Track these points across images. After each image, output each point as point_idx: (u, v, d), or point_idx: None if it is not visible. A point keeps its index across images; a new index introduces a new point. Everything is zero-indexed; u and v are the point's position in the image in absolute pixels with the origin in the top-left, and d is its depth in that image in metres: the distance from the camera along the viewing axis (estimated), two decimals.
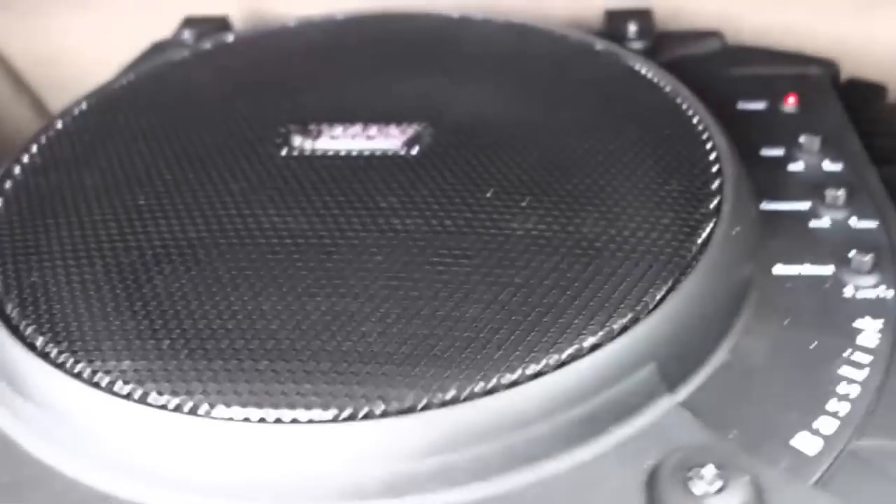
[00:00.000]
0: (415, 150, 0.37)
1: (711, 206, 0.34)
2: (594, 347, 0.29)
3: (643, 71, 0.42)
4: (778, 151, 0.40)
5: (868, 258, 0.34)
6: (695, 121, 0.38)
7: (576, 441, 0.28)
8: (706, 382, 0.30)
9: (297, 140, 0.38)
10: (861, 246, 0.34)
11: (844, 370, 0.30)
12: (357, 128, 0.38)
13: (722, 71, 0.46)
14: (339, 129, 0.38)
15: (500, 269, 0.31)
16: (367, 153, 0.37)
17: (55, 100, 0.64)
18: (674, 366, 0.30)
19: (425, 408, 0.27)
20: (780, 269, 0.35)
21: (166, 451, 0.28)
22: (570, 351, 0.29)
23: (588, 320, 0.29)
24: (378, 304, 0.30)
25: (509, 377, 0.28)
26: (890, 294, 0.33)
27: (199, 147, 0.38)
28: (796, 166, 0.40)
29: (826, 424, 0.28)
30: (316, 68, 0.44)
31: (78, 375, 0.29)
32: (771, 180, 0.38)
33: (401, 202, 0.34)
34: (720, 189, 0.35)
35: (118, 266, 0.33)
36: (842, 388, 0.29)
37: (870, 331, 0.32)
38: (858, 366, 0.30)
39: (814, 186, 0.38)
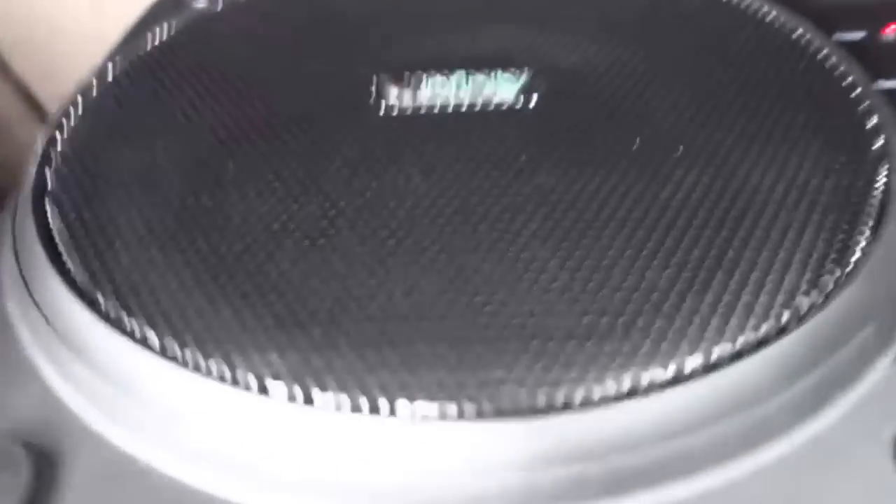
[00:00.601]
0: (532, 102, 0.33)
1: (877, 145, 0.31)
2: (812, 309, 0.25)
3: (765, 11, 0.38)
4: (893, 84, 0.37)
5: None
6: (830, 59, 0.35)
7: (804, 415, 0.24)
8: None
9: (392, 94, 0.33)
10: None
11: None
12: (459, 76, 0.34)
13: (810, 1, 0.42)
14: (438, 79, 0.34)
15: (675, 227, 0.27)
16: (477, 107, 0.32)
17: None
18: (886, 322, 0.26)
19: (649, 389, 0.23)
20: None
21: (299, 450, 0.24)
22: (787, 316, 0.25)
23: (799, 279, 0.26)
24: (548, 273, 0.26)
25: (730, 348, 0.24)
26: None
27: (284, 109, 0.33)
28: None
29: None
30: (385, 11, 0.38)
31: (196, 368, 0.24)
32: None
33: (538, 160, 0.30)
34: (879, 127, 0.31)
35: (230, 248, 0.27)
36: None
37: None
38: None
39: None
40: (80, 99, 0.34)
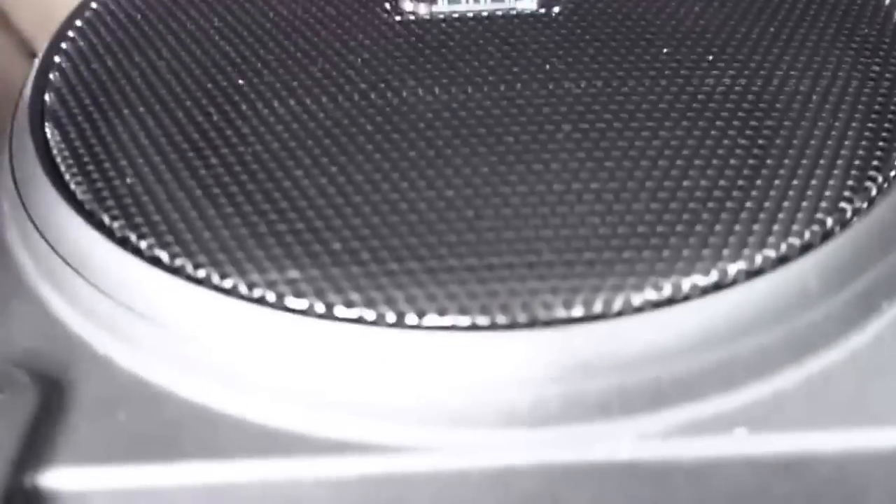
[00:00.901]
0: (556, 8, 0.31)
1: None
2: (856, 214, 0.24)
3: None
4: None
5: None
6: None
7: (852, 323, 0.23)
8: None
9: (408, 4, 0.31)
10: None
11: None
12: None
13: None
14: None
15: (711, 134, 0.26)
16: (499, 13, 0.31)
17: None
18: None
19: (691, 295, 0.22)
20: None
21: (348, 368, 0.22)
22: (831, 221, 0.24)
23: (842, 184, 0.25)
24: (580, 181, 0.25)
25: (771, 254, 0.23)
26: None
27: (293, 19, 0.31)
28: None
29: None
30: None
31: (232, 291, 0.23)
32: None
33: (566, 65, 0.28)
34: None
35: (242, 161, 0.26)
36: None
37: None
38: None
39: None
40: (78, 15, 0.32)
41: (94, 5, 0.33)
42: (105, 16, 0.32)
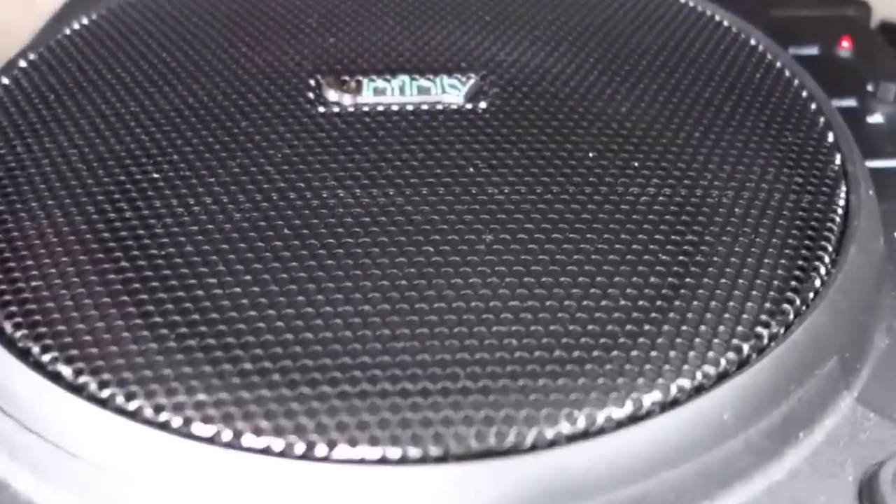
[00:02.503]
0: (482, 105, 0.31)
1: (835, 164, 0.30)
2: (772, 339, 0.24)
3: (711, 14, 0.37)
4: (851, 102, 0.36)
5: None
6: (786, 73, 0.34)
7: (768, 456, 0.23)
8: (874, 372, 0.26)
9: (332, 95, 0.31)
10: None
11: None
12: (402, 79, 0.32)
13: (761, 13, 0.42)
14: (381, 82, 0.31)
15: (631, 249, 0.26)
16: (425, 107, 0.30)
17: None
18: (848, 356, 0.25)
19: (600, 431, 0.22)
20: None
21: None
22: (748, 347, 0.24)
23: (759, 307, 0.25)
24: (498, 300, 0.24)
25: (686, 384, 0.23)
26: None
27: (212, 107, 0.30)
28: (875, 118, 0.36)
29: None
30: (323, 9, 0.36)
31: (137, 414, 0.22)
32: (857, 136, 0.34)
33: (489, 166, 0.28)
34: (837, 144, 0.31)
35: (150, 262, 0.25)
36: None
37: None
38: None
39: None
40: None
41: (4, 81, 0.32)
42: (16, 93, 0.31)
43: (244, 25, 0.34)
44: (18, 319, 0.24)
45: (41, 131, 0.29)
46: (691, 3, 0.37)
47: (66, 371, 0.23)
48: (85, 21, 0.35)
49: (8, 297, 0.24)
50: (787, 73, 0.33)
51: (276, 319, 0.24)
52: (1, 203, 0.27)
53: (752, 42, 0.35)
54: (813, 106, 0.32)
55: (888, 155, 0.34)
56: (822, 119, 0.31)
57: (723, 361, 0.23)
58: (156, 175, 0.28)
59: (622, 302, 0.24)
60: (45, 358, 0.23)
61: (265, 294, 0.24)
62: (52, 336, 0.23)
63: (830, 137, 0.31)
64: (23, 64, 0.33)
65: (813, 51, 0.39)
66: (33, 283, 0.24)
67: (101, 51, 0.33)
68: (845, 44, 0.39)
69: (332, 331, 0.23)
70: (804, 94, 0.32)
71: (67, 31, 0.34)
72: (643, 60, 0.33)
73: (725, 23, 0.36)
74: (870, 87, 0.37)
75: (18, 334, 0.23)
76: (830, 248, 0.26)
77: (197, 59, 0.32)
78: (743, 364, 0.23)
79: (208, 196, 0.27)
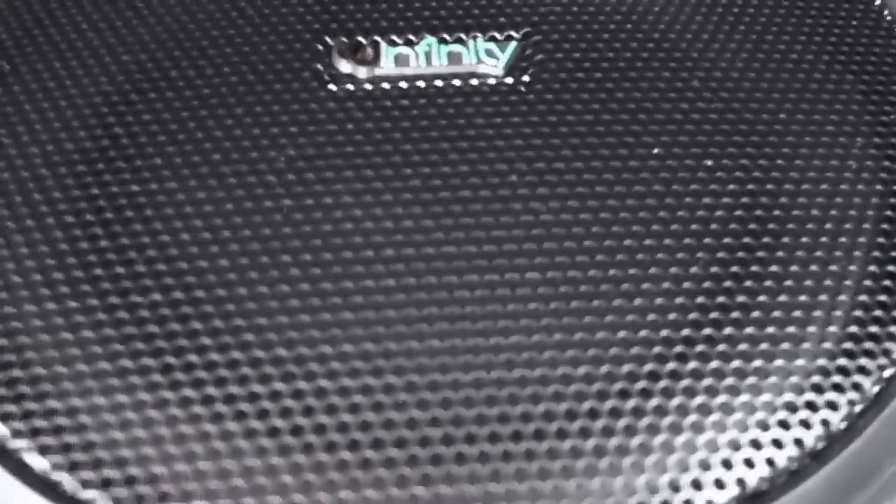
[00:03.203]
0: (525, 78, 0.26)
1: None
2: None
3: None
4: None
5: None
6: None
7: None
8: None
9: (344, 66, 0.26)
10: None
11: None
12: (429, 42, 0.26)
13: None
14: (403, 47, 0.26)
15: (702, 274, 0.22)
16: (456, 84, 0.25)
17: None
18: None
19: None
20: None
21: None
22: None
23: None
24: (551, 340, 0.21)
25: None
26: None
27: (187, 88, 0.25)
28: None
29: None
30: None
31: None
32: None
33: (534, 172, 0.23)
34: None
35: (125, 295, 0.21)
36: None
37: None
38: None
39: None
40: None
41: None
42: None
43: None
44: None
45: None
46: None
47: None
48: None
49: None
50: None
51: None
52: None
53: None
54: None
55: None
56: None
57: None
58: (141, 198, 0.23)
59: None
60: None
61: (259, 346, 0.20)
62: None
63: None
64: None
65: None
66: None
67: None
68: None
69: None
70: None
71: None
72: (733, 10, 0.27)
73: None
74: None
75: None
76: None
77: (175, 17, 0.27)
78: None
79: (199, 218, 0.22)
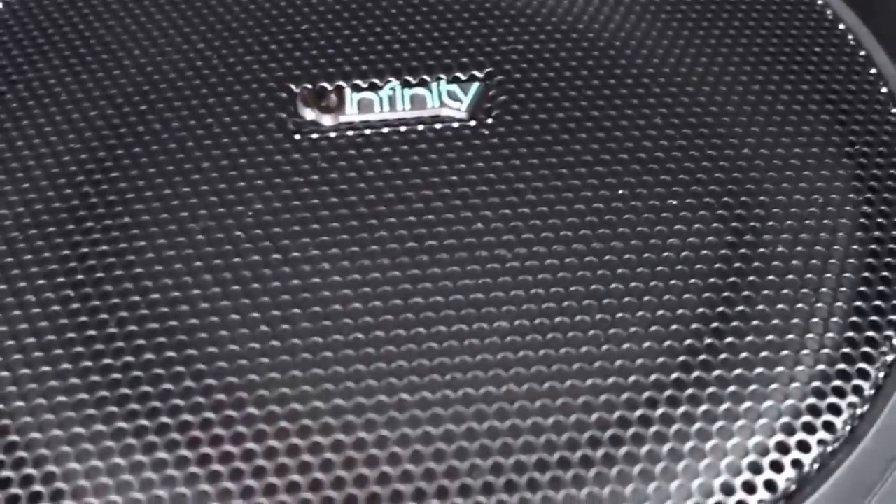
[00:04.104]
0: (489, 120, 0.26)
1: None
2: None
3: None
4: None
5: None
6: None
7: None
8: None
9: (308, 113, 0.26)
10: None
11: None
12: (393, 87, 0.26)
13: None
14: (366, 92, 0.26)
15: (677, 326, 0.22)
16: (419, 129, 0.26)
17: None
18: None
19: None
20: None
21: None
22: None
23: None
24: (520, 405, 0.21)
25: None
26: None
27: (154, 143, 0.25)
28: None
29: None
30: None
31: None
32: None
33: (500, 218, 0.24)
34: None
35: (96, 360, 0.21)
36: None
37: None
38: None
39: None
40: None
41: None
42: None
43: (199, 5, 0.29)
44: None
45: None
46: None
47: None
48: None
49: None
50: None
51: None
52: None
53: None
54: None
55: None
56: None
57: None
58: (106, 247, 0.23)
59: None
60: None
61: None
62: None
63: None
64: None
65: None
66: None
67: (25, 52, 0.27)
68: None
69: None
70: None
71: None
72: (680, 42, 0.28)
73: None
74: None
75: None
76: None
77: (140, 68, 0.27)
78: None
79: (169, 276, 0.23)
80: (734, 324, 0.22)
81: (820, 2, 0.29)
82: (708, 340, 0.22)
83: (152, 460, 0.20)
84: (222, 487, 0.20)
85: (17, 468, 0.20)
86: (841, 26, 0.28)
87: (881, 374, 0.21)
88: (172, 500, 0.19)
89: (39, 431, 0.20)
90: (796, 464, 0.20)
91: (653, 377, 0.21)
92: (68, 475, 0.20)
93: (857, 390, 0.21)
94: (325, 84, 0.26)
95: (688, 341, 0.22)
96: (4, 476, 0.20)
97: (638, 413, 0.20)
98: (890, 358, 0.22)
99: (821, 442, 0.20)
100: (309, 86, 0.26)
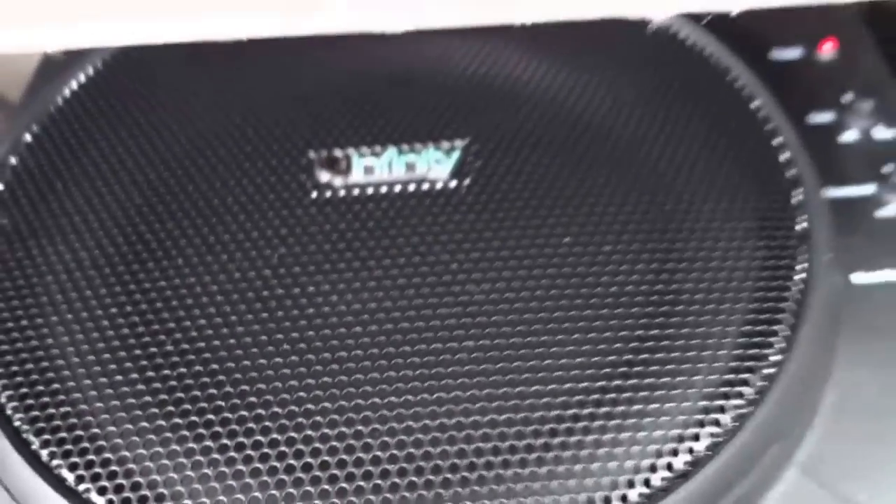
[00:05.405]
0: (466, 182, 0.33)
1: (798, 228, 0.32)
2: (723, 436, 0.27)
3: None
4: (827, 117, 0.37)
5: None
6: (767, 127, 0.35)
7: None
8: (822, 437, 0.29)
9: (323, 176, 0.33)
10: None
11: None
12: (391, 154, 0.33)
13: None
14: (370, 158, 0.33)
15: (602, 345, 0.29)
16: (411, 189, 0.32)
17: None
18: (794, 434, 0.28)
19: None
20: (860, 278, 0.33)
21: None
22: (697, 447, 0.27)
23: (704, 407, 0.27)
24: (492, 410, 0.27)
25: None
26: None
27: (200, 199, 0.32)
28: (849, 136, 0.37)
29: None
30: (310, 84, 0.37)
31: None
32: (826, 158, 0.36)
33: (470, 261, 0.30)
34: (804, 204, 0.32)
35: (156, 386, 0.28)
36: None
37: None
38: None
39: (872, 162, 0.36)
40: None
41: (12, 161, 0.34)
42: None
43: (237, 88, 0.36)
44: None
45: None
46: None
47: None
48: (73, 87, 0.36)
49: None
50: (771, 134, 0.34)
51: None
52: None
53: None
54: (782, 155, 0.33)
55: (857, 181, 0.35)
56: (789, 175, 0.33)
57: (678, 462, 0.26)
58: (149, 287, 0.30)
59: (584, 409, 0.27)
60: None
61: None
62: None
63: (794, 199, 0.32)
64: (27, 139, 0.35)
65: (795, 54, 0.40)
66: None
67: (91, 126, 0.35)
68: (828, 46, 0.40)
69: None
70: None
71: (59, 101, 0.36)
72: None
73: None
74: (848, 98, 0.38)
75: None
76: (783, 344, 0.29)
77: (188, 138, 0.34)
78: (695, 464, 0.26)
79: (213, 306, 0.29)
80: (648, 348, 0.28)
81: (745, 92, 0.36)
82: (627, 357, 0.28)
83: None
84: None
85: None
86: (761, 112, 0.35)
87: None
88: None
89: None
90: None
91: (582, 384, 0.28)
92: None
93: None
94: (337, 152, 0.33)
95: (611, 357, 0.28)
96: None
97: (570, 412, 0.27)
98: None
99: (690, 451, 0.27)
100: (324, 153, 0.33)
